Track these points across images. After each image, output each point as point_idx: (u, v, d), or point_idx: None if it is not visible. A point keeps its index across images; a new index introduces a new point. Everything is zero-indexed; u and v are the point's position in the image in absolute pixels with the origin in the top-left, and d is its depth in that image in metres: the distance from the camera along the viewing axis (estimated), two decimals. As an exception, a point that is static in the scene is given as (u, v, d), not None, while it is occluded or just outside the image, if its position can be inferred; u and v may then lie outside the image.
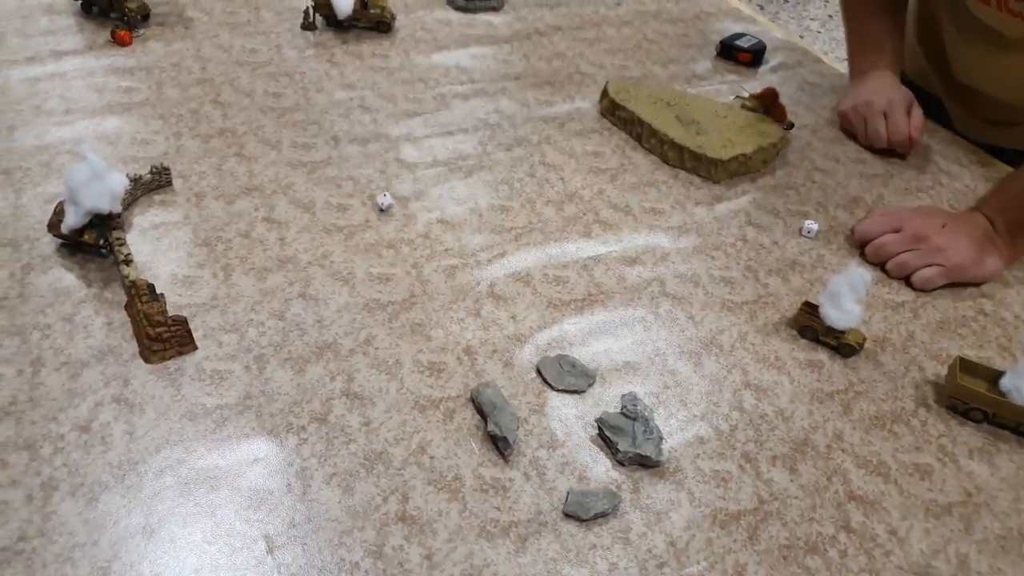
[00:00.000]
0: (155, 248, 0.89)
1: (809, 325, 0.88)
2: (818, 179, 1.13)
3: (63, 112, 1.06)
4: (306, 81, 1.20)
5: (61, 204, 0.85)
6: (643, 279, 0.94)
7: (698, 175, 1.11)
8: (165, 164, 0.96)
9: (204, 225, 0.93)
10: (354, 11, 1.29)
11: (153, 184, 0.95)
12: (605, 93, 1.21)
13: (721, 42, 1.40)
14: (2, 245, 0.87)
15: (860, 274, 0.86)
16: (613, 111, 1.19)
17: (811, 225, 1.03)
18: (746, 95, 1.22)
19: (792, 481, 0.75)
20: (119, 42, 1.21)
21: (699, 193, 1.08)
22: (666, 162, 1.12)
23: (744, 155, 1.10)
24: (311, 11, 1.31)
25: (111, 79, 1.14)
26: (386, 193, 0.98)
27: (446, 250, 0.94)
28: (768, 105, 1.19)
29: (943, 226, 1.00)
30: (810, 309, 0.88)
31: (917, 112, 1.19)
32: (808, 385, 0.84)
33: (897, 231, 1.00)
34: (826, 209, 1.08)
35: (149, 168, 0.95)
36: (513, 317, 0.87)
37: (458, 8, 1.43)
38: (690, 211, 1.05)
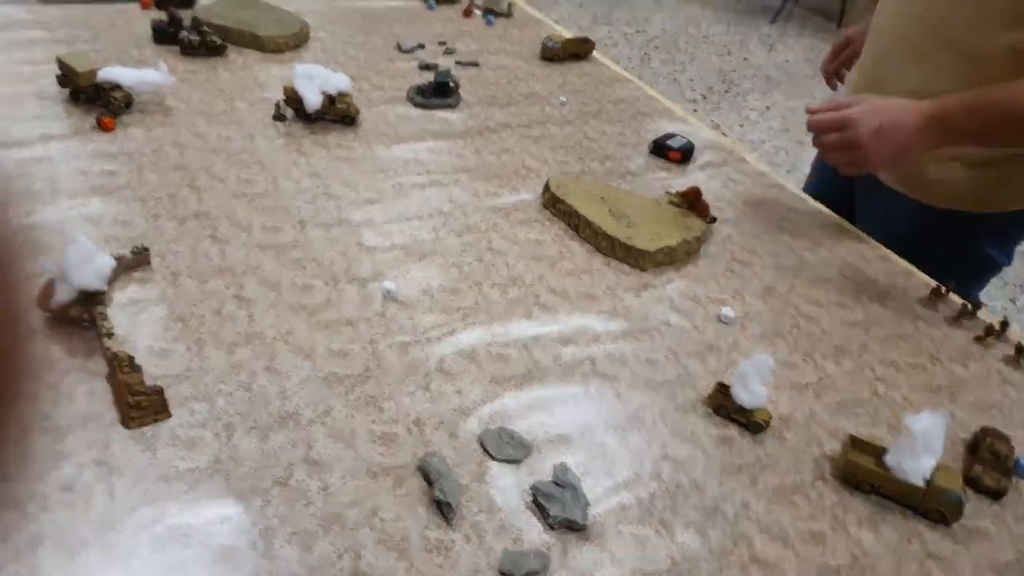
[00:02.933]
0: (133, 322, 0.96)
1: (722, 404, 0.96)
2: (736, 269, 1.25)
3: (50, 193, 1.13)
4: (276, 169, 1.29)
5: (48, 281, 0.93)
6: (576, 358, 1.03)
7: (628, 264, 1.21)
8: (144, 244, 1.05)
9: (179, 302, 1.00)
10: (322, 105, 1.38)
11: (134, 263, 1.03)
12: (547, 187, 1.31)
13: (654, 141, 1.52)
14: (-9, 318, 0.93)
15: (764, 360, 0.95)
16: (554, 203, 1.30)
17: (728, 312, 1.14)
18: (673, 192, 1.34)
19: (702, 545, 0.82)
20: (103, 128, 1.28)
21: (628, 280, 1.19)
22: (600, 251, 1.23)
23: (669, 247, 1.22)
24: (282, 104, 1.41)
25: (95, 163, 1.22)
26: (387, 281, 1.08)
27: (400, 328, 1.02)
28: (692, 202, 1.30)
29: (878, 128, 1.20)
30: (723, 389, 0.96)
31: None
32: (720, 459, 0.92)
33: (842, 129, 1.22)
34: (743, 297, 1.19)
35: (130, 248, 1.04)
36: (459, 391, 0.95)
37: (417, 105, 1.54)
38: (620, 297, 1.15)
